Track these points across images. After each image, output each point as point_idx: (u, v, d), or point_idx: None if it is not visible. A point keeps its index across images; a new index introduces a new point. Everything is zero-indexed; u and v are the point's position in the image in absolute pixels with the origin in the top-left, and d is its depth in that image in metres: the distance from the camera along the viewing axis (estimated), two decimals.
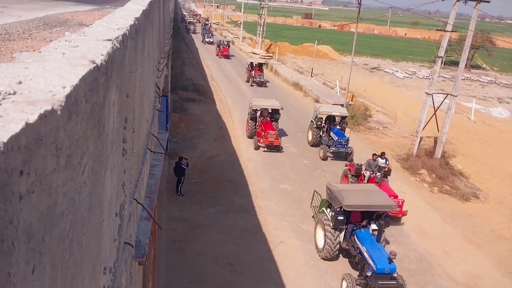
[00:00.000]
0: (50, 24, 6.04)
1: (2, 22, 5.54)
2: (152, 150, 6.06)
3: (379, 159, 14.99)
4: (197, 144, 19.36)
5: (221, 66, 39.43)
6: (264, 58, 44.13)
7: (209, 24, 63.87)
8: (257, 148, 18.72)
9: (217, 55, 44.30)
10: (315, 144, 19.33)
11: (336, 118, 19.36)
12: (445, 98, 20.22)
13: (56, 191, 1.20)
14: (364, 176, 14.41)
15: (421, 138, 20.36)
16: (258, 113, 19.66)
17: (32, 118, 1.01)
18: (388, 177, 14.83)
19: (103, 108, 1.95)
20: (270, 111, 19.51)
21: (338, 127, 18.83)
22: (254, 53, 46.59)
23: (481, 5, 18.35)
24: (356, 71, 39.42)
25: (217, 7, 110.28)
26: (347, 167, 15.27)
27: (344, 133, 18.69)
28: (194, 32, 64.87)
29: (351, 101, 27.69)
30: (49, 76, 1.41)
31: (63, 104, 1.20)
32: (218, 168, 16.75)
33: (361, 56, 55.55)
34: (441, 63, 19.84)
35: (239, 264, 10.88)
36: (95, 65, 1.68)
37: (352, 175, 14.71)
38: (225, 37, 57.04)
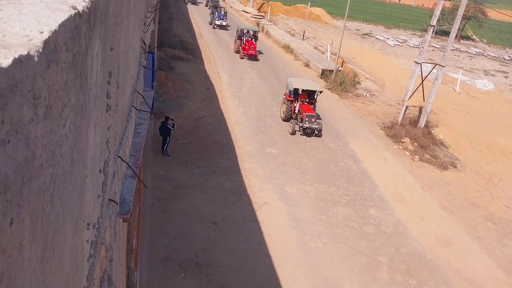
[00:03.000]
0: None
1: None
2: (137, 108, 5.93)
3: None
4: (184, 104, 19.10)
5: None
6: (255, 18, 42.82)
7: None
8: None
9: (237, 52, 27.56)
10: None
11: None
12: (433, 68, 20.21)
13: (34, 142, 1.14)
14: None
15: (406, 107, 20.53)
16: None
17: (6, 63, 0.93)
18: None
19: (85, 59, 1.84)
20: None
21: None
22: (245, 11, 45.08)
23: None
24: (347, 36, 38.76)
25: None
26: None
27: None
28: (195, 3, 48.95)
29: (341, 67, 27.45)
30: (25, 20, 1.31)
31: (40, 50, 1.12)
32: (205, 129, 16.67)
33: (353, 21, 54.58)
34: (433, 32, 19.61)
35: (223, 224, 11.11)
36: (76, 11, 1.56)
37: None
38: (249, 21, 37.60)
